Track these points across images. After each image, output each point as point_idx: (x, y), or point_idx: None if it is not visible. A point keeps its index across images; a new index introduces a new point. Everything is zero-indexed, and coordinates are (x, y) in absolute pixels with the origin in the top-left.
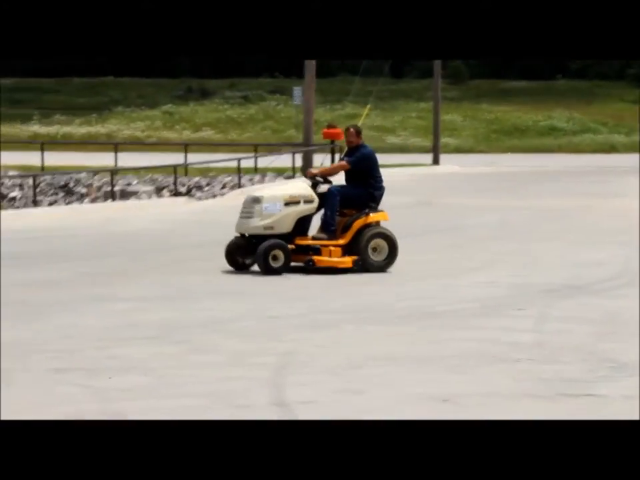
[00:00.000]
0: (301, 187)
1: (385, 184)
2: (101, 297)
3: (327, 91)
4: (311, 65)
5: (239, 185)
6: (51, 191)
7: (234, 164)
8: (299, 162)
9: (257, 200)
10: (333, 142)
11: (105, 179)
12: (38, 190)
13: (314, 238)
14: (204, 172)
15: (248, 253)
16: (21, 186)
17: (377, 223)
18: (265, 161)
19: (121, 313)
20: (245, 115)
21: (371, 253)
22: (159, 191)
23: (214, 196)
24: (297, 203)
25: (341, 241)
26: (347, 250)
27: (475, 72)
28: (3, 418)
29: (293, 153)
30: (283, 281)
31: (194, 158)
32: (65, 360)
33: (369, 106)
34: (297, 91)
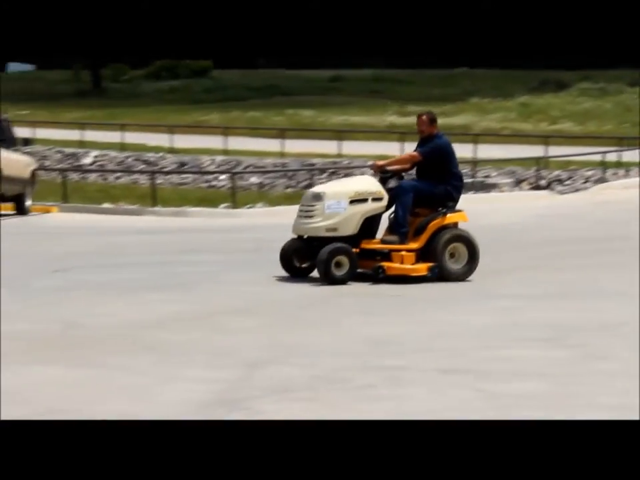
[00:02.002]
0: (368, 182)
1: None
2: (479, 292)
3: None
4: None
5: (604, 179)
6: None
7: (595, 157)
8: None
9: (318, 197)
10: None
11: (464, 170)
12: None
13: (383, 241)
14: (564, 165)
15: (306, 257)
16: None
17: (455, 225)
18: (631, 155)
19: (500, 311)
20: (602, 107)
21: (448, 259)
22: (518, 183)
23: (576, 190)
24: (364, 200)
25: (414, 245)
26: (420, 255)
27: None
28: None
29: None
30: None
31: (553, 151)
32: (450, 360)
33: None
34: None
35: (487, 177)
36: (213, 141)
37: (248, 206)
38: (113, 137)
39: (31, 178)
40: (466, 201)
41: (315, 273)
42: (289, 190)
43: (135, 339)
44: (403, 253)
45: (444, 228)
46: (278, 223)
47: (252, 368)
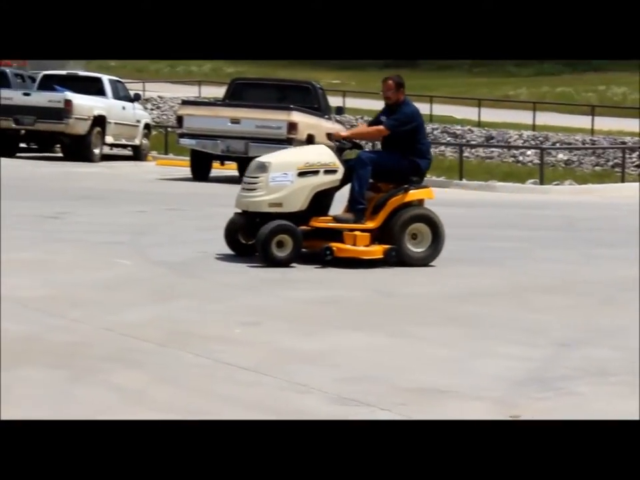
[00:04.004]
0: (321, 152)
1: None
2: None
3: None
4: None
5: None
6: None
7: None
8: None
9: (262, 167)
10: None
11: None
12: None
13: (336, 219)
14: None
15: (251, 235)
16: None
17: (420, 203)
18: None
19: None
20: None
21: (408, 241)
22: None
23: None
24: (315, 173)
25: (370, 224)
26: (377, 236)
27: None
28: None
29: None
30: None
31: None
32: None
33: None
34: None
35: None
36: (521, 116)
37: (555, 183)
38: (421, 108)
39: None
40: None
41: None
42: (598, 168)
43: (445, 311)
44: (356, 233)
45: (406, 206)
46: (586, 201)
47: (564, 348)
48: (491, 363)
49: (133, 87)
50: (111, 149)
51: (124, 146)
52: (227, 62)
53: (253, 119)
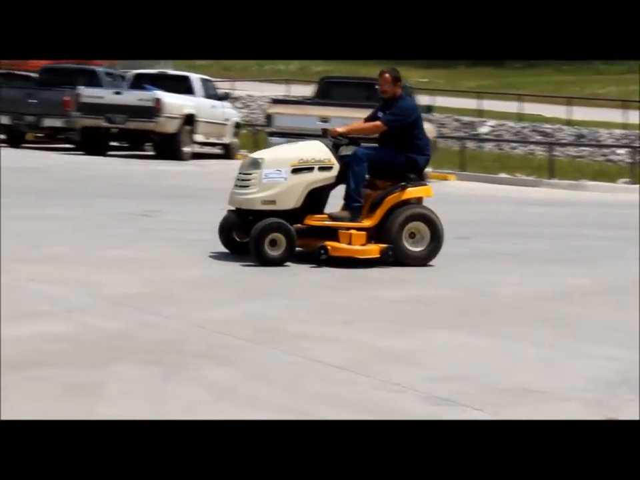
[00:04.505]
0: (316, 148)
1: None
2: None
3: None
4: None
5: None
6: None
7: None
8: None
9: (255, 164)
10: None
11: None
12: None
13: (331, 217)
14: None
15: (245, 233)
16: None
17: (419, 201)
18: None
19: None
20: None
21: (406, 240)
22: None
23: None
24: (310, 169)
25: (367, 223)
26: (374, 235)
27: None
28: None
29: None
30: None
31: None
32: None
33: None
34: None
35: None
36: (611, 114)
37: None
38: (509, 106)
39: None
40: None
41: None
42: None
43: (537, 311)
44: (352, 231)
45: (404, 204)
46: None
47: None
48: (583, 364)
49: (222, 86)
50: (201, 147)
51: (213, 144)
52: (314, 60)
53: (342, 117)
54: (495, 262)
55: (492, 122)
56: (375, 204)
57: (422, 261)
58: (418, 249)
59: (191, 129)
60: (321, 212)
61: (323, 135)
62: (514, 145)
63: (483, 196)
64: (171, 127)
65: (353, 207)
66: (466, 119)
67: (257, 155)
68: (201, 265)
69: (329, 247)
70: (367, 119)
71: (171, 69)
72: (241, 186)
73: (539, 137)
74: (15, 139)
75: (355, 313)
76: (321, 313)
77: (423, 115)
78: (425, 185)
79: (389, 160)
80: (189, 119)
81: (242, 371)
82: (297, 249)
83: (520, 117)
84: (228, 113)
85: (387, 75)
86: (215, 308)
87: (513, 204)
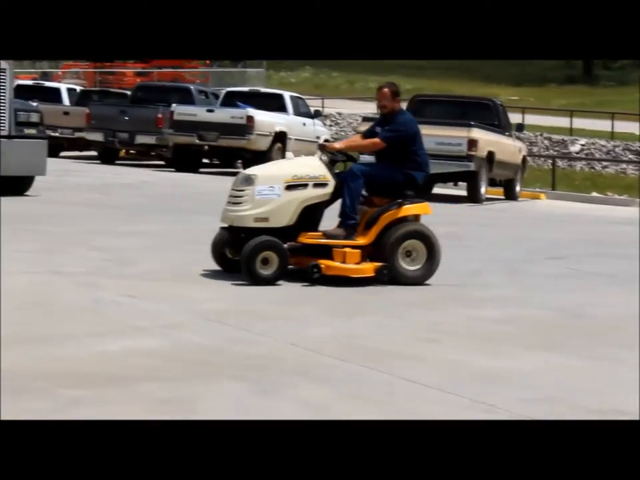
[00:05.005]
0: (310, 164)
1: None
2: None
3: None
4: None
5: None
6: None
7: None
8: None
9: (248, 180)
10: None
11: None
12: None
13: (325, 235)
14: None
15: (238, 250)
16: None
17: (416, 218)
18: None
19: None
20: None
21: (402, 259)
22: None
23: None
24: (304, 186)
25: (362, 241)
26: (369, 253)
27: None
28: None
29: None
30: None
31: None
32: None
33: None
34: None
35: None
36: None
37: None
38: (601, 125)
39: (522, 164)
40: None
41: None
42: None
43: (633, 333)
44: (346, 249)
45: (400, 221)
46: None
47: None
48: None
49: (312, 104)
50: None
51: None
52: (405, 78)
53: (434, 135)
54: (590, 282)
55: (583, 140)
56: (371, 221)
57: (417, 280)
58: (414, 268)
59: (282, 147)
60: (316, 229)
61: (320, 150)
62: (605, 163)
63: (575, 215)
64: (263, 144)
65: (347, 224)
66: (556, 137)
67: (249, 170)
68: (287, 281)
69: (322, 265)
70: (365, 134)
71: (263, 87)
72: (233, 203)
73: (631, 156)
74: (108, 156)
75: (445, 331)
76: (410, 331)
77: (514, 134)
78: (423, 201)
79: (386, 176)
80: (280, 137)
81: (335, 389)
82: (290, 266)
83: (612, 136)
84: (319, 130)
85: (386, 90)
86: (306, 325)
87: (606, 223)
